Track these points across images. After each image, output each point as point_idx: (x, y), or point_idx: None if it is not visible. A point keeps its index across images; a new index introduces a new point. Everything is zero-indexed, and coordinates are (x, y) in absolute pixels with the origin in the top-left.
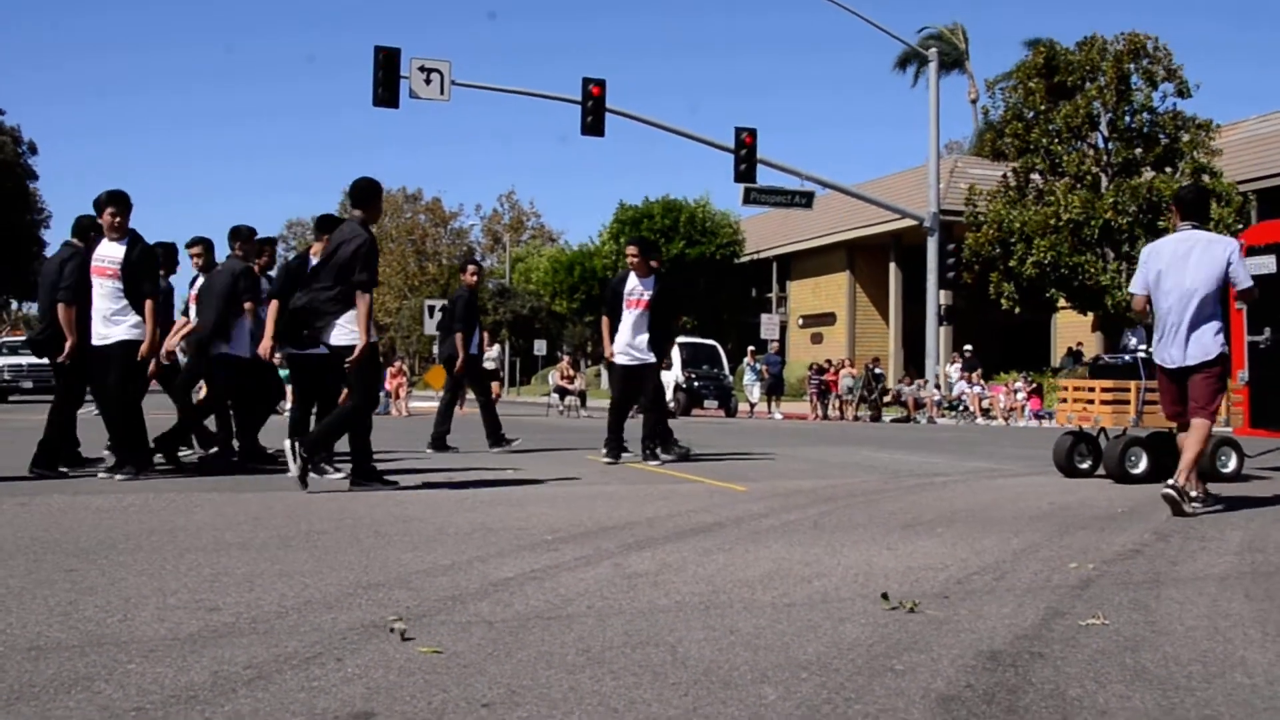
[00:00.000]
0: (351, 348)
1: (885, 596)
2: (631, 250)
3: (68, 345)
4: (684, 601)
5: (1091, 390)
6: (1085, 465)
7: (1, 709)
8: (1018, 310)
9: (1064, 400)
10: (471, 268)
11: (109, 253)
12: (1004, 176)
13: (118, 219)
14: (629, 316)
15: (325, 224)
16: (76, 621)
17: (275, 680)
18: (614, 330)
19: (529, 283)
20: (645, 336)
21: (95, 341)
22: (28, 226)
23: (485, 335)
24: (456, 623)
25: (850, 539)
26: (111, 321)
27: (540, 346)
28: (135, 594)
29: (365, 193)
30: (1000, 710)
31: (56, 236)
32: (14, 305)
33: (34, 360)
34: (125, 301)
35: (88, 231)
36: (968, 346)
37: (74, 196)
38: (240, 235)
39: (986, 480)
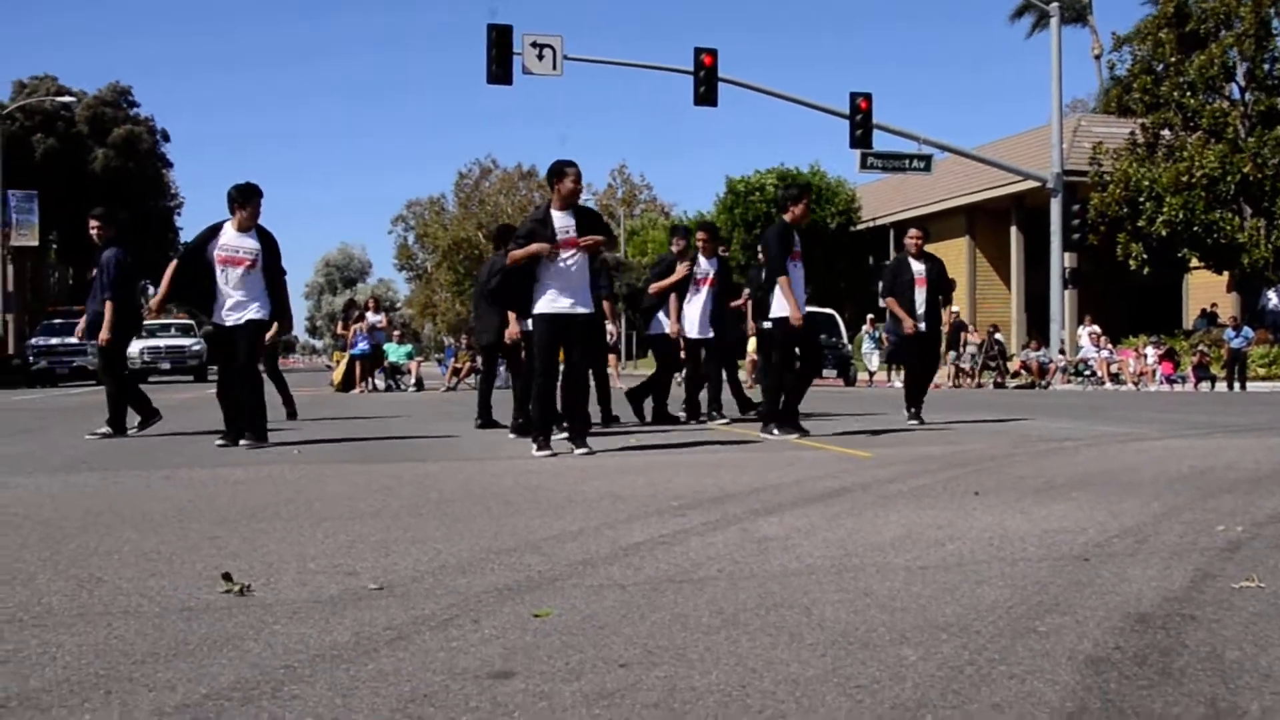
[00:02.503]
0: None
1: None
2: (703, 235)
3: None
4: (815, 565)
5: None
6: None
7: (162, 664)
8: (1147, 271)
9: None
10: (697, 234)
11: (244, 244)
12: (1132, 133)
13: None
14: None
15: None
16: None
17: (415, 640)
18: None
19: (644, 255)
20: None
21: (230, 322)
22: (163, 213)
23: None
24: (589, 586)
25: (982, 503)
26: (244, 304)
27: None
28: (276, 559)
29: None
30: (1154, 673)
31: (189, 221)
32: (150, 290)
33: (172, 342)
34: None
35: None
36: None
37: (198, 178)
38: None
39: (1120, 444)
